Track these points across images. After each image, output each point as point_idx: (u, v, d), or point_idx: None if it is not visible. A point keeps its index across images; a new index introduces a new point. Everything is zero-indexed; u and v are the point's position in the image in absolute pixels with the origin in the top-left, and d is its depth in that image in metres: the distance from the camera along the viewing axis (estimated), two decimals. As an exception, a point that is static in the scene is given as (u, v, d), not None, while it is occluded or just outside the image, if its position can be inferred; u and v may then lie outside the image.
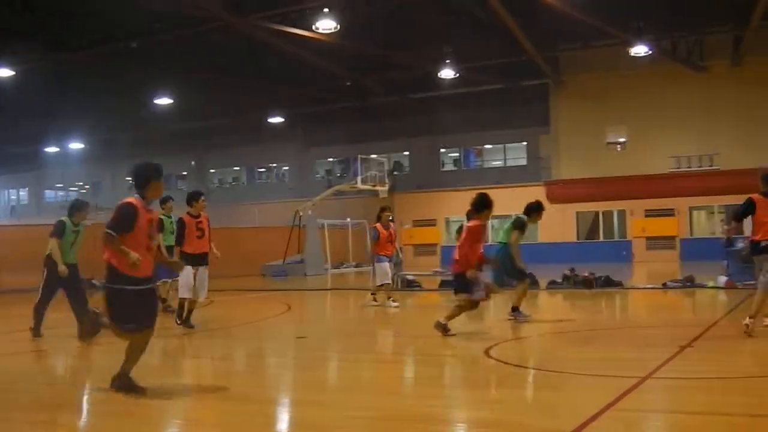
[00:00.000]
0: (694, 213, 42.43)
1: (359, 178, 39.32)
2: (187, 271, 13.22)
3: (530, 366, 9.80)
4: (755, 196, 11.39)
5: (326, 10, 30.29)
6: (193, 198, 14.31)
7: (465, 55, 38.54)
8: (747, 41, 36.69)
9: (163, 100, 41.58)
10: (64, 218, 13.44)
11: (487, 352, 10.20)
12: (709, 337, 11.34)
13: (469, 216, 12.73)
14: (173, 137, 52.50)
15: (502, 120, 46.93)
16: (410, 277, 25.24)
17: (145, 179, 8.40)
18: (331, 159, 56.06)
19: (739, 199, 31.13)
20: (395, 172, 50.29)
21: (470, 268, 11.71)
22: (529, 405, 7.53)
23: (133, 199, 8.31)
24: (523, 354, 10.95)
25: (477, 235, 12.05)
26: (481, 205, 12.20)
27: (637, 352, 10.48)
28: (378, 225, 18.06)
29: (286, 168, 57.73)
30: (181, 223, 14.04)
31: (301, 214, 38.05)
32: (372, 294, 18.55)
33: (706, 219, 42.75)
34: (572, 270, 22.89)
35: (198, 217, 14.02)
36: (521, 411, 7.03)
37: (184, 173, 61.76)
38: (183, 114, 46.17)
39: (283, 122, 49.14)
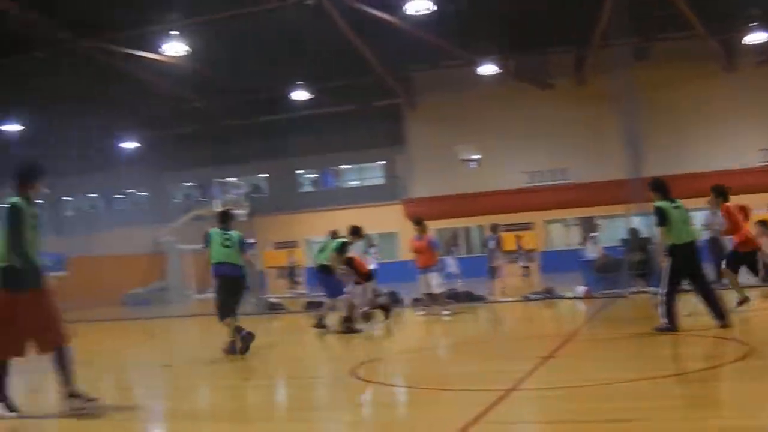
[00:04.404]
0: (549, 226, 43.55)
1: (217, 202, 38.93)
2: None
3: (397, 384, 9.89)
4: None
5: (174, 32, 29.98)
6: None
7: (317, 76, 38.70)
8: (589, 60, 38.01)
9: (11, 127, 40.38)
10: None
11: (353, 372, 10.24)
12: (570, 346, 11.62)
13: None
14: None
15: (357, 140, 47.22)
16: (273, 300, 25.17)
17: None
18: (188, 183, 55.37)
19: (591, 212, 32.17)
20: (254, 195, 49.97)
21: None
22: (395, 423, 7.59)
23: None
24: (389, 372, 11.02)
25: None
26: None
27: (503, 364, 10.69)
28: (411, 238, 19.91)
29: (144, 193, 56.75)
30: None
31: (160, 240, 37.49)
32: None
33: (561, 231, 43.90)
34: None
35: None
36: (388, 430, 7.10)
37: (38, 201, 59.92)
38: (31, 141, 44.81)
39: (137, 147, 48.30)
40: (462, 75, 39.63)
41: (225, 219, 13.95)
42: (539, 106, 41.21)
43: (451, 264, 27.01)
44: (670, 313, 11.88)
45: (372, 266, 23.37)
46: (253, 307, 22.94)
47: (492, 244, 24.73)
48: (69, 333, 8.34)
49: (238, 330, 13.09)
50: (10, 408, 8.32)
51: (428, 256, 19.15)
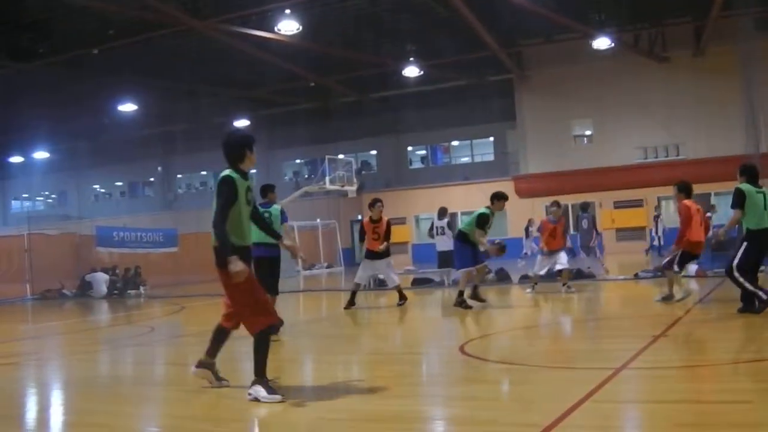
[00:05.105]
0: (663, 203, 42.65)
1: (327, 179, 39.14)
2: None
3: (505, 361, 9.76)
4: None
5: (288, 11, 30.24)
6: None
7: (428, 52, 38.66)
8: (707, 31, 36.93)
9: (127, 107, 41.28)
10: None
11: (461, 349, 10.17)
12: (682, 326, 11.36)
13: None
14: (138, 144, 52.13)
15: (468, 116, 47.03)
16: (381, 277, 25.16)
17: None
18: (298, 160, 55.94)
19: (706, 188, 31.16)
20: (363, 172, 50.25)
21: None
22: (504, 400, 7.50)
23: None
24: (497, 349, 10.91)
25: None
26: None
27: (612, 343, 10.52)
28: (544, 219, 19.07)
29: (253, 171, 57.34)
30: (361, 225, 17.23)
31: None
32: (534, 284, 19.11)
33: (674, 209, 42.90)
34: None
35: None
36: (496, 407, 6.99)
37: (151, 179, 61.48)
38: (147, 120, 45.89)
39: (247, 125, 48.96)
40: (575, 48, 39.11)
41: (265, 193, 14.02)
42: (654, 79, 40.36)
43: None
44: (757, 285, 11.68)
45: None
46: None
47: (585, 223, 24.41)
48: (267, 318, 7.83)
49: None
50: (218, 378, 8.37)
51: (561, 239, 18.62)
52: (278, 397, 7.43)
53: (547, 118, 43.25)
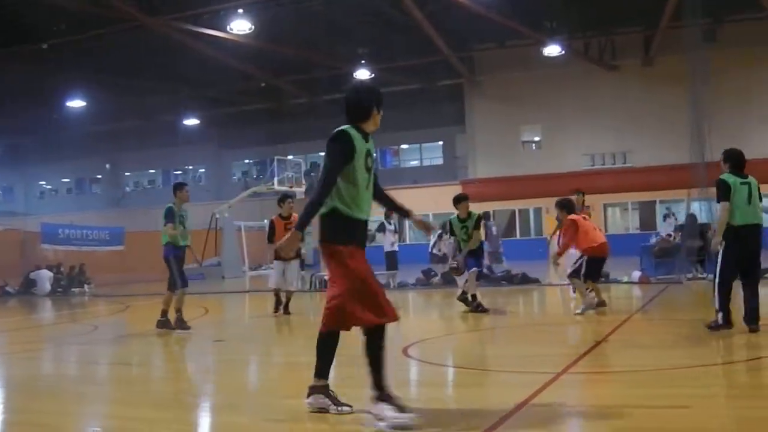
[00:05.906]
0: (609, 210, 43.08)
1: (276, 180, 38.98)
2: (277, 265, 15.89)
3: (447, 364, 9.83)
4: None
5: (240, 11, 30.19)
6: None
7: (380, 55, 38.76)
8: (656, 41, 37.41)
9: (75, 103, 40.85)
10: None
11: (405, 351, 10.20)
12: (623, 331, 11.47)
13: None
14: (86, 140, 51.54)
15: (418, 119, 47.13)
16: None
17: None
18: (247, 161, 55.74)
19: (652, 196, 31.31)
20: (312, 173, 50.09)
21: None
22: (445, 403, 7.53)
23: None
24: (440, 352, 10.95)
25: None
26: None
27: (554, 348, 10.60)
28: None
29: (202, 170, 57.23)
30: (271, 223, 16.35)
31: (217, 216, 37.71)
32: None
33: (620, 215, 43.44)
34: (489, 268, 23.16)
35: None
36: (437, 409, 7.02)
37: (99, 176, 60.89)
38: (96, 116, 45.40)
39: (198, 124, 48.73)
40: (527, 55, 39.42)
41: (174, 192, 14.43)
42: (603, 87, 40.84)
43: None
44: (725, 306, 10.53)
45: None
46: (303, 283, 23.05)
47: (494, 230, 24.89)
48: (385, 313, 6.90)
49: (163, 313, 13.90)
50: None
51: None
52: (348, 408, 6.85)
53: (497, 123, 43.51)
